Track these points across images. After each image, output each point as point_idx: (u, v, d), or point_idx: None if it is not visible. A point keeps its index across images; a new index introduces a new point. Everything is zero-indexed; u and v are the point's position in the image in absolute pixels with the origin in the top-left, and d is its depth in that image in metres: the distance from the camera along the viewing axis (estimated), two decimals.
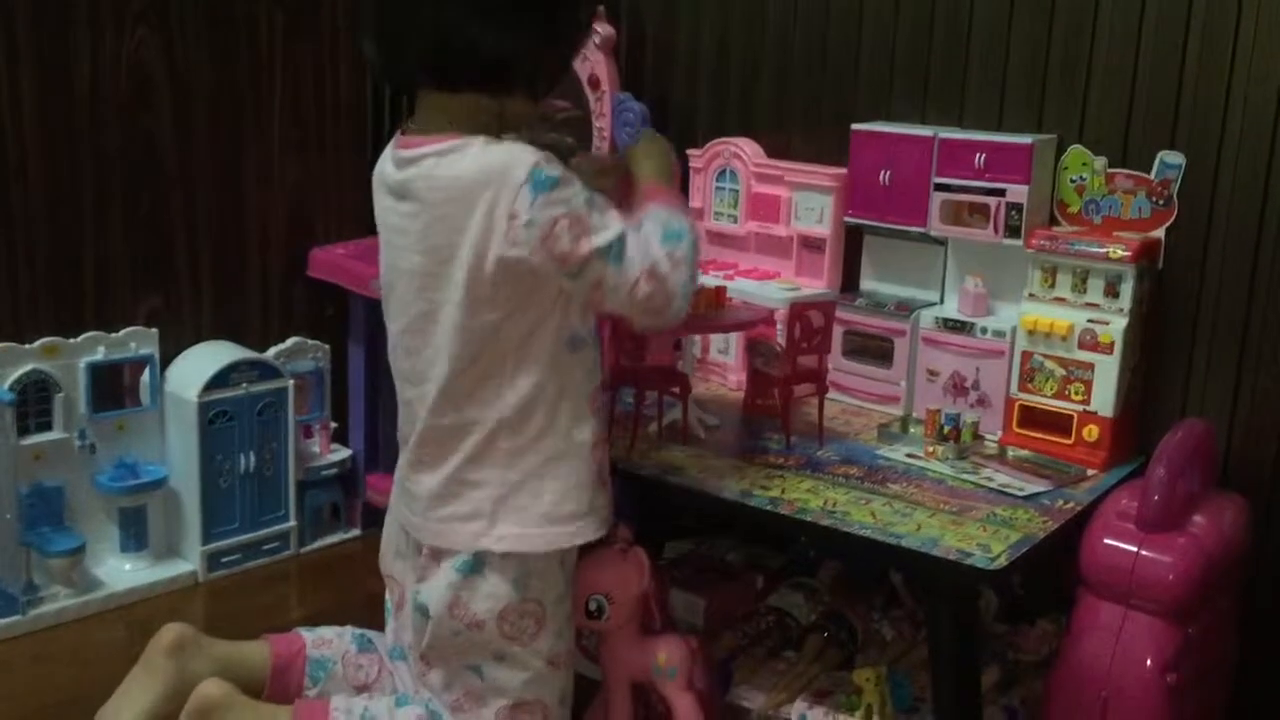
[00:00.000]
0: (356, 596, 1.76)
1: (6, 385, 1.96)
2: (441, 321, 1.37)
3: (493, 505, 1.40)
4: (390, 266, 1.44)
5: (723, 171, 2.05)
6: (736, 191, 2.05)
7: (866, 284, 1.98)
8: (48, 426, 2.03)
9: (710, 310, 1.78)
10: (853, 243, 1.98)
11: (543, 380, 1.38)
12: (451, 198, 1.32)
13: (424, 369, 1.41)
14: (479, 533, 1.41)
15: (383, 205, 1.43)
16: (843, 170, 1.92)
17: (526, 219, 1.29)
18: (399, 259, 1.41)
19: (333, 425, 2.38)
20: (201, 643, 1.54)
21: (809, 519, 1.50)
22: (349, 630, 1.62)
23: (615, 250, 1.32)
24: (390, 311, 1.46)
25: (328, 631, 1.61)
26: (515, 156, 1.30)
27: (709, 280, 1.94)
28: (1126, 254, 1.65)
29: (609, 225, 1.33)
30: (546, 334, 1.37)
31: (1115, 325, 1.66)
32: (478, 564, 1.41)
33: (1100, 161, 1.75)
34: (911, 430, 1.78)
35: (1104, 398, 1.67)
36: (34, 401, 2.01)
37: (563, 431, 1.41)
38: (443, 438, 1.41)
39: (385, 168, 1.42)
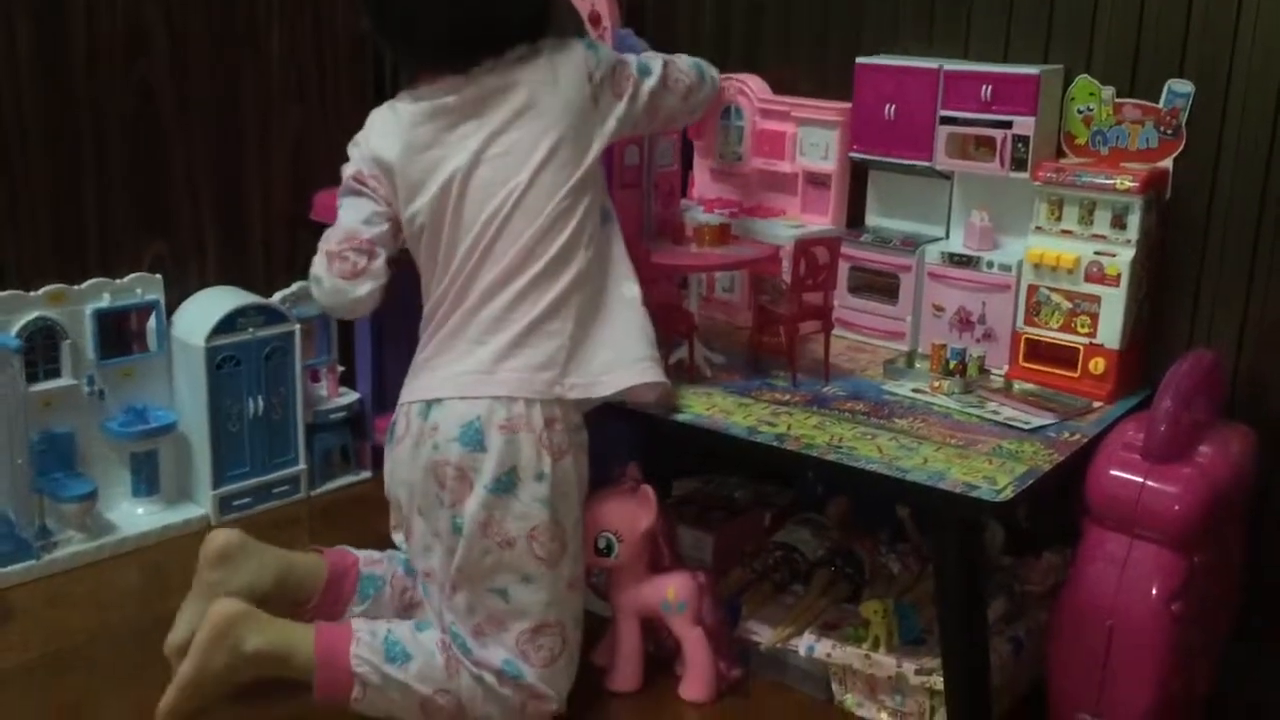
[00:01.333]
0: (368, 537, 1.77)
1: (14, 333, 1.96)
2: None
3: (566, 355, 1.48)
4: None
5: (727, 109, 2.04)
6: (741, 128, 2.03)
7: (872, 219, 1.97)
8: (56, 374, 2.04)
9: (715, 247, 1.77)
10: (858, 178, 1.96)
11: (597, 243, 1.53)
12: None
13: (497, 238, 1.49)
14: (552, 381, 1.47)
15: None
16: (848, 105, 1.90)
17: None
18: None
19: (340, 369, 2.39)
20: (250, 548, 1.58)
21: (815, 454, 1.50)
22: (396, 553, 1.66)
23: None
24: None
25: (375, 553, 1.67)
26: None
27: (713, 218, 1.93)
28: (1134, 185, 1.64)
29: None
30: (594, 201, 1.54)
31: (1122, 257, 1.65)
32: (510, 481, 1.44)
33: (1108, 91, 1.73)
34: (917, 365, 1.78)
35: (1110, 330, 1.66)
36: (42, 349, 2.01)
37: (616, 288, 1.55)
38: (518, 300, 1.48)
39: None
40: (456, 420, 1.47)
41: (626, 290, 1.56)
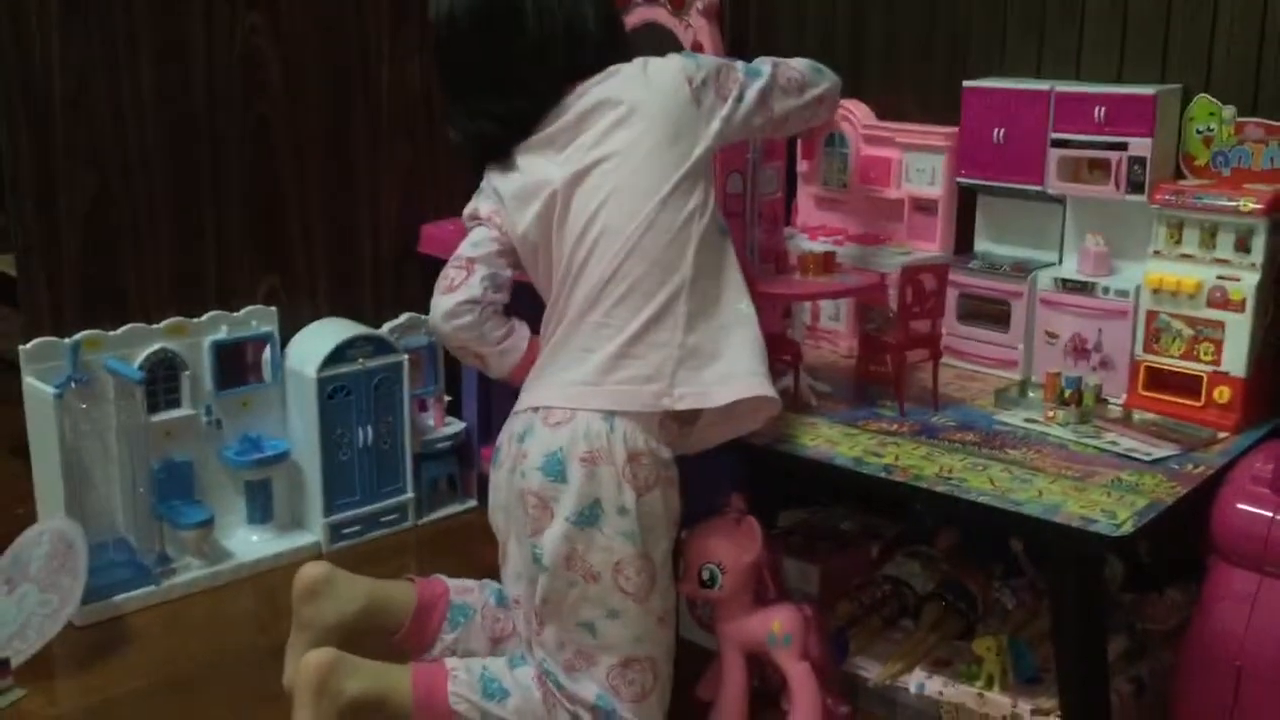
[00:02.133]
0: (474, 566, 1.79)
1: (136, 364, 2.03)
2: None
3: (674, 365, 1.46)
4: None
5: (831, 136, 2.02)
6: (845, 155, 2.01)
7: (981, 245, 1.93)
8: (176, 404, 2.10)
9: (820, 275, 1.75)
10: (966, 204, 1.93)
11: (709, 253, 1.51)
12: None
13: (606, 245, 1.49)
14: (660, 393, 1.46)
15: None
16: (954, 129, 1.87)
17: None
18: None
19: (446, 399, 2.42)
20: (339, 580, 1.60)
21: (924, 486, 1.47)
22: (489, 583, 1.66)
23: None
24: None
25: (469, 581, 1.67)
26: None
27: (818, 246, 1.92)
28: (1258, 206, 1.57)
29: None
30: (702, 206, 1.52)
31: (1247, 281, 1.59)
32: (592, 515, 1.44)
33: (1229, 111, 1.67)
34: (1030, 394, 1.73)
35: (1236, 357, 1.60)
36: (163, 380, 2.08)
37: (730, 302, 1.52)
38: (623, 303, 1.47)
39: None
40: (541, 449, 1.47)
41: (742, 306, 1.53)
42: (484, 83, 1.58)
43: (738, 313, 1.52)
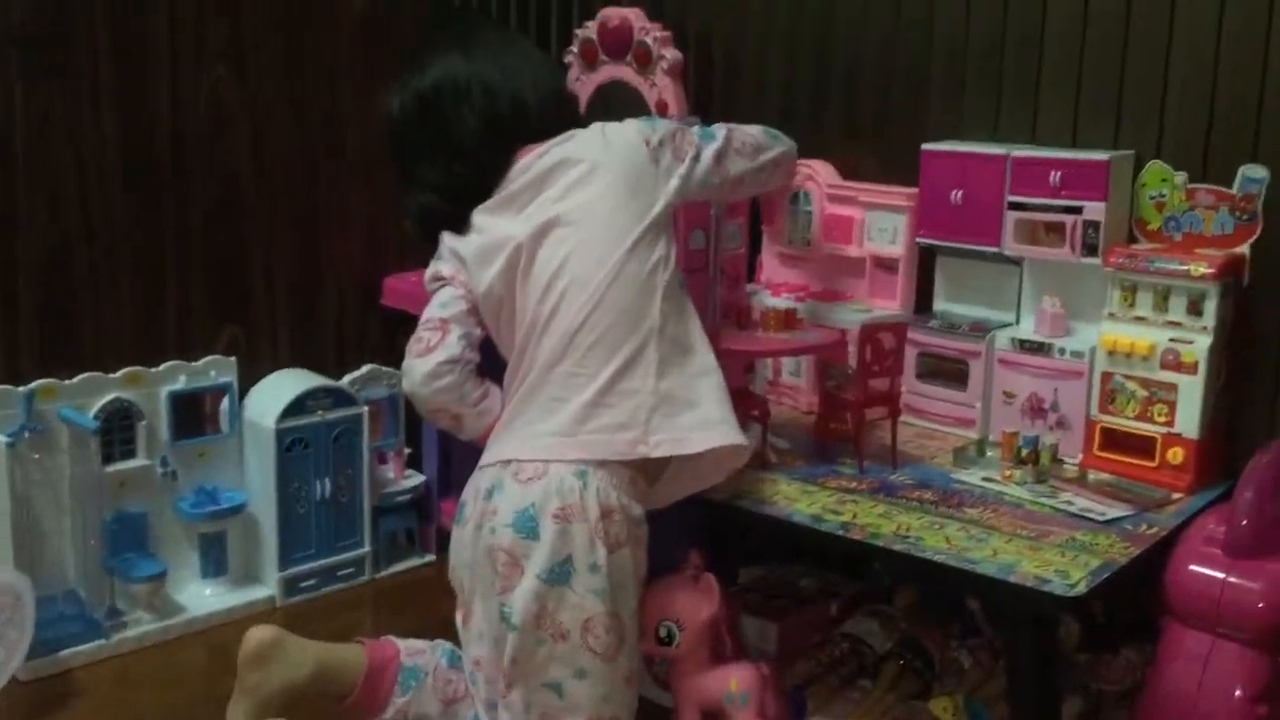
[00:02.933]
0: (432, 621, 1.77)
1: (91, 414, 2.01)
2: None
3: (647, 413, 1.46)
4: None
5: (797, 194, 2.04)
6: (810, 213, 2.03)
7: (940, 305, 1.95)
8: (131, 454, 2.08)
9: (781, 332, 1.76)
10: (926, 263, 1.95)
11: (675, 303, 1.53)
12: None
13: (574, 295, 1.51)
14: (635, 440, 1.46)
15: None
16: (915, 190, 1.90)
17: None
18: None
19: (406, 451, 2.41)
20: (289, 644, 1.57)
21: (881, 544, 1.47)
22: (440, 644, 1.64)
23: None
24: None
25: (420, 643, 1.64)
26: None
27: (780, 302, 1.93)
28: (1210, 271, 1.60)
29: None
30: (663, 259, 1.54)
31: (1199, 344, 1.61)
32: (564, 572, 1.43)
33: (1180, 177, 1.70)
34: (988, 453, 1.75)
35: (1189, 419, 1.62)
36: (118, 430, 2.06)
37: (700, 351, 1.53)
38: (592, 353, 1.48)
39: None
40: (512, 505, 1.46)
41: (710, 356, 1.55)
42: (431, 158, 1.62)
43: (706, 362, 1.54)
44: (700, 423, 1.49)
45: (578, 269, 1.51)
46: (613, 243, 1.52)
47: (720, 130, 1.68)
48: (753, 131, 1.73)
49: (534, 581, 1.43)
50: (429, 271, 1.65)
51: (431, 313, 1.60)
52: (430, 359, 1.56)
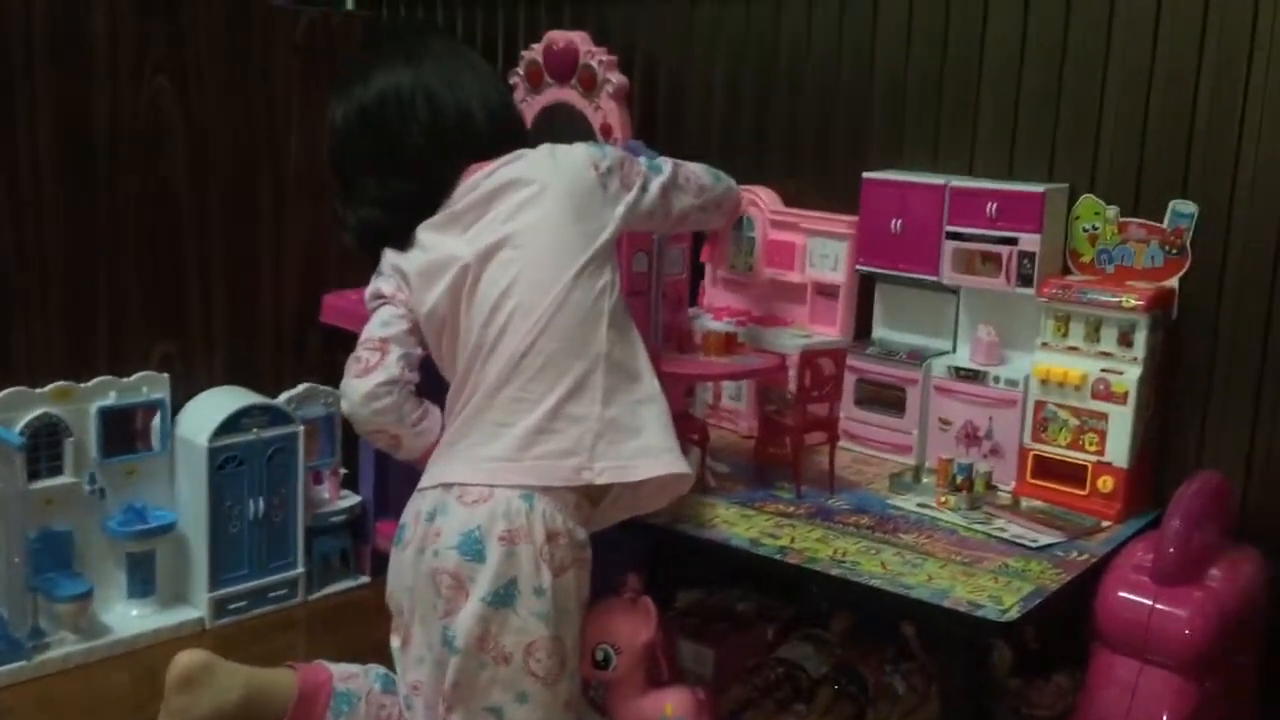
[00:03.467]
0: (366, 644, 1.75)
1: (17, 429, 1.96)
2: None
3: (592, 440, 1.46)
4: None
5: (740, 220, 2.05)
6: (753, 239, 2.04)
7: (879, 332, 1.97)
8: (58, 471, 2.04)
9: (722, 356, 1.77)
10: (866, 290, 1.97)
11: (620, 330, 1.53)
12: None
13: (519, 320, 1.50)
14: (580, 466, 1.45)
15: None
16: (855, 218, 1.92)
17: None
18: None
19: (343, 471, 2.38)
20: (218, 669, 1.54)
21: (818, 569, 1.48)
22: (373, 668, 1.62)
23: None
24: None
25: (352, 667, 1.62)
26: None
27: (721, 326, 1.94)
28: (1140, 303, 1.64)
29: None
30: (611, 285, 1.55)
31: (1129, 375, 1.64)
32: (508, 595, 1.41)
33: (1112, 210, 1.74)
34: (924, 480, 1.76)
35: (1118, 448, 1.65)
36: (45, 446, 2.01)
37: (645, 378, 1.53)
38: (539, 377, 1.47)
39: None
40: (457, 528, 1.45)
41: (649, 383, 1.54)
42: (373, 169, 1.61)
43: (652, 388, 1.54)
44: (644, 450, 1.49)
45: (525, 293, 1.50)
46: (560, 267, 1.51)
47: (667, 164, 1.69)
48: (697, 170, 1.75)
49: (478, 604, 1.42)
50: (370, 289, 1.63)
51: (371, 332, 1.59)
52: (369, 379, 1.54)
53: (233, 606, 2.17)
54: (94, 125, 2.08)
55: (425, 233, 1.59)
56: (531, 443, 1.46)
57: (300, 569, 2.26)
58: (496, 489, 1.44)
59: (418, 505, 1.50)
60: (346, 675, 1.60)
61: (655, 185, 1.64)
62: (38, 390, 2.00)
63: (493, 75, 1.70)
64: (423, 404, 1.58)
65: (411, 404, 1.56)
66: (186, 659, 1.53)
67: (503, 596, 1.42)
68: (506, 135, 1.64)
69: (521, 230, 1.53)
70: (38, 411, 1.99)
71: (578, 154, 1.60)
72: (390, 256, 1.61)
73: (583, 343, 1.50)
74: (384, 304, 1.60)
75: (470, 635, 1.43)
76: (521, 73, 2.16)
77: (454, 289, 1.54)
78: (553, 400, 1.47)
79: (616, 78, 2.04)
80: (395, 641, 1.59)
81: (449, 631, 1.44)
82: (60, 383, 2.03)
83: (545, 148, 1.62)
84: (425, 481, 1.52)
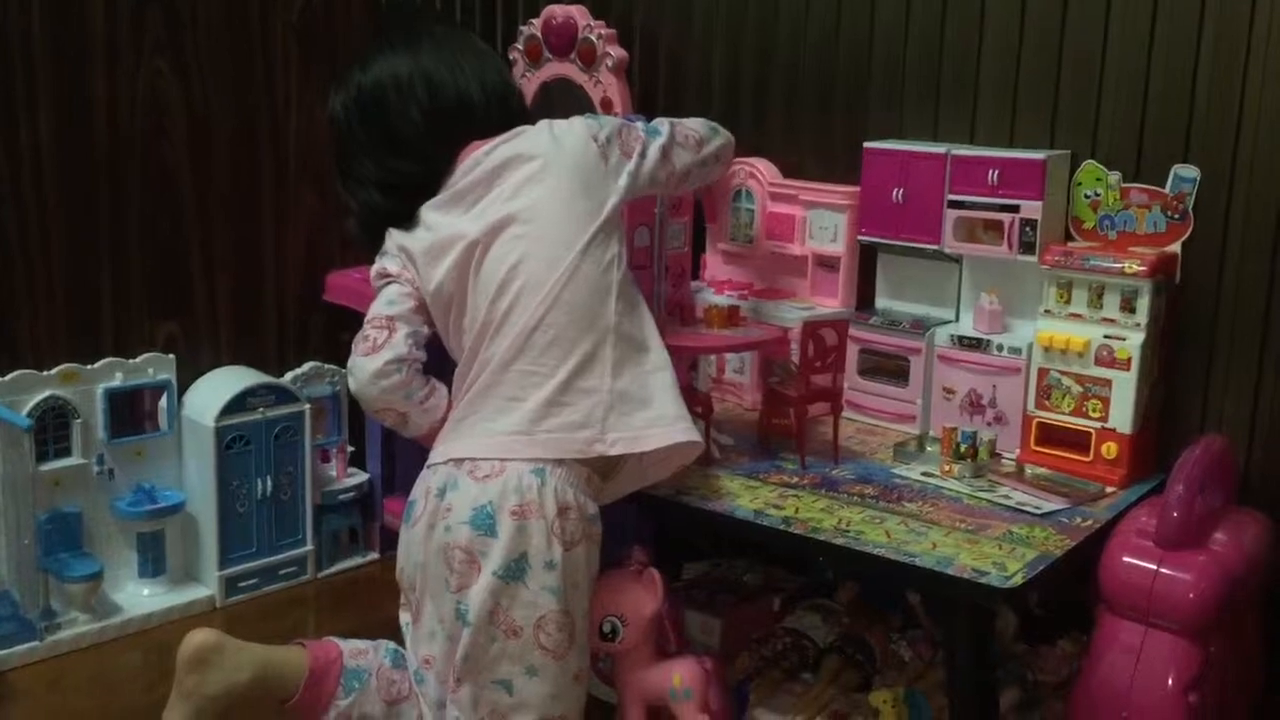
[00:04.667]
0: (375, 620, 1.76)
1: (25, 411, 1.97)
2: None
3: (604, 412, 1.47)
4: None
5: (739, 191, 2.05)
6: (752, 211, 2.04)
7: (881, 302, 1.97)
8: (66, 452, 2.05)
9: (724, 329, 1.77)
10: (867, 261, 1.97)
11: (628, 301, 1.54)
12: None
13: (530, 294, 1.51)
14: (592, 439, 1.46)
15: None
16: (856, 189, 1.92)
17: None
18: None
19: (350, 449, 2.39)
20: (229, 648, 1.55)
21: (822, 538, 1.49)
22: (383, 644, 1.63)
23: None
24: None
25: (362, 643, 1.63)
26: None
27: (723, 300, 1.94)
28: (1142, 269, 1.64)
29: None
30: (618, 258, 1.55)
31: (1132, 341, 1.64)
32: (519, 569, 1.43)
33: (1114, 176, 1.74)
34: (928, 449, 1.77)
35: (1122, 414, 1.65)
36: (53, 428, 2.03)
37: (654, 348, 1.54)
38: (549, 351, 1.48)
39: None
40: (469, 503, 1.45)
41: (657, 353, 1.55)
42: (374, 153, 1.62)
43: (660, 359, 1.55)
44: (655, 420, 1.50)
45: (532, 269, 1.51)
46: (566, 243, 1.52)
47: (664, 125, 1.70)
48: (694, 125, 1.75)
49: (490, 578, 1.43)
50: (375, 269, 1.64)
51: (378, 310, 1.59)
52: (377, 358, 1.55)
53: (243, 584, 2.19)
54: (94, 108, 2.08)
55: (429, 212, 1.59)
56: (543, 416, 1.47)
57: (309, 546, 2.27)
58: (508, 463, 1.45)
59: (428, 481, 1.51)
60: (356, 652, 1.61)
61: (655, 148, 1.65)
62: (45, 373, 2.01)
63: (493, 56, 1.71)
64: (429, 381, 1.59)
65: (419, 381, 1.57)
66: (198, 638, 1.54)
67: (514, 571, 1.44)
68: (506, 115, 1.64)
69: (527, 207, 1.53)
70: (45, 394, 2.00)
71: (576, 128, 1.61)
72: (395, 236, 1.62)
73: (592, 316, 1.50)
74: (390, 282, 1.61)
75: (481, 609, 1.44)
76: (521, 48, 2.15)
77: (461, 266, 1.54)
78: (564, 374, 1.48)
79: (616, 51, 2.03)
80: (405, 617, 1.60)
81: (462, 605, 1.45)
82: (67, 365, 2.04)
83: (544, 123, 1.62)
84: (435, 457, 1.52)
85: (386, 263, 1.62)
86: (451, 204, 1.58)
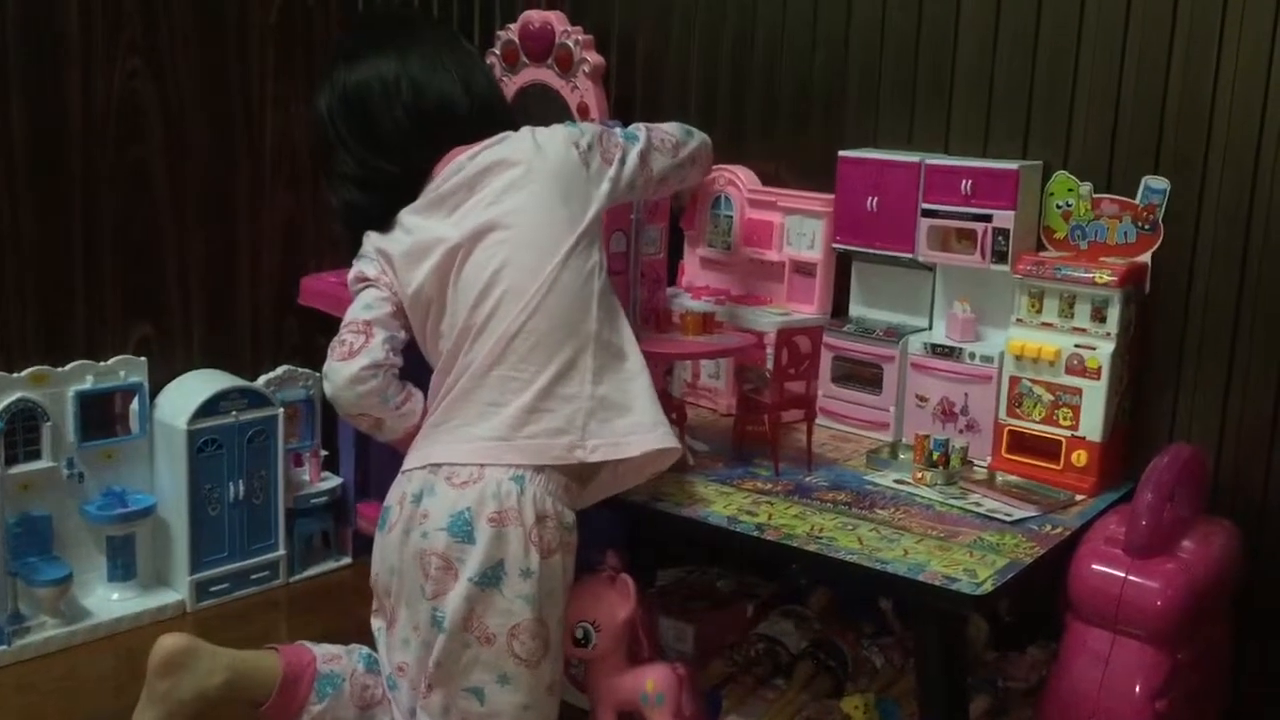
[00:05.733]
0: (348, 625, 1.75)
1: None
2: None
3: (584, 418, 1.47)
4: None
5: (718, 198, 2.06)
6: (731, 218, 2.05)
7: (856, 309, 1.98)
8: (36, 455, 2.03)
9: (699, 335, 1.78)
10: (842, 269, 1.98)
11: (608, 308, 1.55)
12: None
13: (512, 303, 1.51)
14: (572, 445, 1.46)
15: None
16: (832, 196, 1.92)
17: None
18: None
19: (323, 453, 2.38)
20: (201, 652, 1.54)
21: (795, 545, 1.49)
22: (357, 649, 1.62)
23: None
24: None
25: (335, 648, 1.62)
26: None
27: (699, 305, 1.94)
28: (1113, 279, 1.65)
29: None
30: (599, 265, 1.57)
31: (1102, 350, 1.66)
32: (495, 576, 1.42)
33: (1086, 187, 1.75)
34: (900, 456, 1.78)
35: (1092, 422, 1.66)
36: (22, 430, 2.01)
37: (631, 355, 1.55)
38: (530, 358, 1.48)
39: None
40: (446, 509, 1.45)
41: (635, 359, 1.56)
42: (355, 153, 1.61)
43: (638, 364, 1.55)
44: (635, 427, 1.50)
45: (514, 277, 1.51)
46: (548, 250, 1.52)
47: (641, 130, 1.71)
48: (669, 129, 1.76)
49: (465, 584, 1.43)
50: (352, 272, 1.64)
51: (355, 315, 1.58)
52: (354, 363, 1.54)
53: (214, 589, 2.18)
54: (67, 108, 2.06)
55: (409, 216, 1.59)
56: (524, 422, 1.47)
57: (281, 551, 2.26)
58: (487, 469, 1.45)
59: (403, 487, 1.51)
60: (330, 657, 1.60)
61: (634, 154, 1.66)
62: (14, 375, 2.00)
63: (479, 59, 1.72)
64: (406, 387, 1.59)
65: (395, 387, 1.57)
66: (169, 643, 1.53)
67: (490, 577, 1.43)
68: (490, 120, 1.64)
69: (509, 213, 1.53)
70: (14, 396, 1.99)
71: (558, 135, 1.61)
72: (373, 239, 1.62)
73: (573, 323, 1.51)
74: (367, 286, 1.60)
75: (456, 615, 1.44)
76: (498, 53, 2.15)
77: (441, 270, 1.54)
78: (544, 380, 1.48)
79: (593, 57, 2.04)
80: (377, 623, 1.59)
81: (438, 613, 1.45)
82: (37, 367, 2.02)
83: (525, 131, 1.62)
84: (411, 463, 1.52)
85: (364, 266, 1.62)
86: (432, 208, 1.58)
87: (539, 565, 1.44)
